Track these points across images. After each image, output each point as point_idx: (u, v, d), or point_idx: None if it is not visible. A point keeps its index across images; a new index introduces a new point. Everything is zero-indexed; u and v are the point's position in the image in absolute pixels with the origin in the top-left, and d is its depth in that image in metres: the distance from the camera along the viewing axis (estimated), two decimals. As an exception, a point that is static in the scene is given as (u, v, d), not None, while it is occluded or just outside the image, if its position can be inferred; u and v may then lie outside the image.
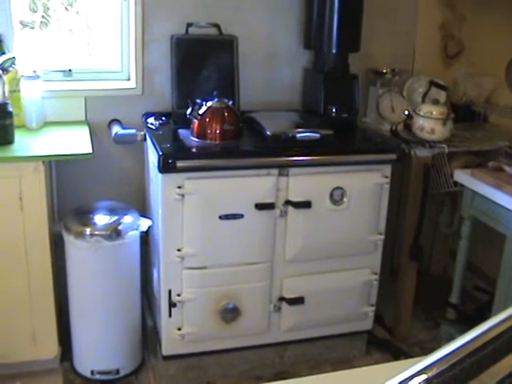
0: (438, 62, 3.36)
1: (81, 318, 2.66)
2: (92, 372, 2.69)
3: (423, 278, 3.09)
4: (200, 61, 2.86)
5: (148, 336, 2.89)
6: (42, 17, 2.95)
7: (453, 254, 2.97)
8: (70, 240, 2.55)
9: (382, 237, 2.74)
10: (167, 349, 2.64)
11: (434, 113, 2.84)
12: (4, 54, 2.63)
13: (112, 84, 2.96)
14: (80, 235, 2.51)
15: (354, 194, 2.60)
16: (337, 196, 2.58)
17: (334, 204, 2.58)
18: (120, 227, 2.55)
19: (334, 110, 2.89)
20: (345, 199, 2.59)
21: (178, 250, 2.48)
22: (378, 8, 3.12)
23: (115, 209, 2.69)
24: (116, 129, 2.84)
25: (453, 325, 2.90)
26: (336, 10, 2.81)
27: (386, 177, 2.66)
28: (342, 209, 2.60)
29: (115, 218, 2.60)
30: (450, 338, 2.79)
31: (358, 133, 3.01)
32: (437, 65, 3.35)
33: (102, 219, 2.59)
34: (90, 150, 2.50)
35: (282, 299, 2.68)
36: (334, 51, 2.89)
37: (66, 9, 2.97)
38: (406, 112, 2.99)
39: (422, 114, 2.87)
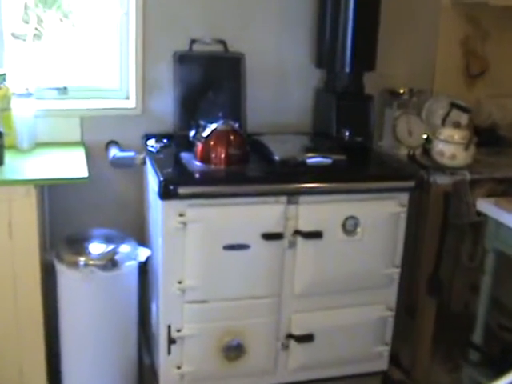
0: (459, 81, 3.38)
1: (72, 353, 2.68)
2: (83, 413, 2.69)
3: (443, 314, 3.08)
4: (204, 79, 2.90)
5: (145, 375, 2.89)
6: (36, 29, 2.99)
7: (475, 289, 2.98)
8: (62, 270, 2.58)
9: (399, 270, 2.75)
10: (165, 389, 2.67)
11: (456, 137, 2.86)
12: (-6, 69, 2.69)
13: (110, 103, 2.99)
14: (73, 265, 2.53)
15: (369, 224, 2.61)
16: (350, 226, 2.58)
17: (347, 234, 2.59)
18: (116, 257, 2.57)
19: (347, 134, 2.90)
20: (358, 229, 2.60)
21: (179, 283, 2.48)
22: (395, 23, 3.14)
23: (111, 237, 2.71)
24: (114, 151, 2.85)
25: (476, 368, 2.88)
26: (350, 25, 2.85)
27: (403, 205, 2.67)
28: (356, 240, 2.61)
29: (111, 246, 2.62)
30: (473, 383, 2.83)
31: (372, 158, 3.04)
32: (458, 85, 3.37)
33: (97, 248, 2.61)
34: (86, 174, 2.52)
35: (289, 336, 2.67)
36: (347, 70, 2.92)
37: (61, 20, 3.03)
38: (425, 136, 3.04)
39: (442, 138, 2.90)
